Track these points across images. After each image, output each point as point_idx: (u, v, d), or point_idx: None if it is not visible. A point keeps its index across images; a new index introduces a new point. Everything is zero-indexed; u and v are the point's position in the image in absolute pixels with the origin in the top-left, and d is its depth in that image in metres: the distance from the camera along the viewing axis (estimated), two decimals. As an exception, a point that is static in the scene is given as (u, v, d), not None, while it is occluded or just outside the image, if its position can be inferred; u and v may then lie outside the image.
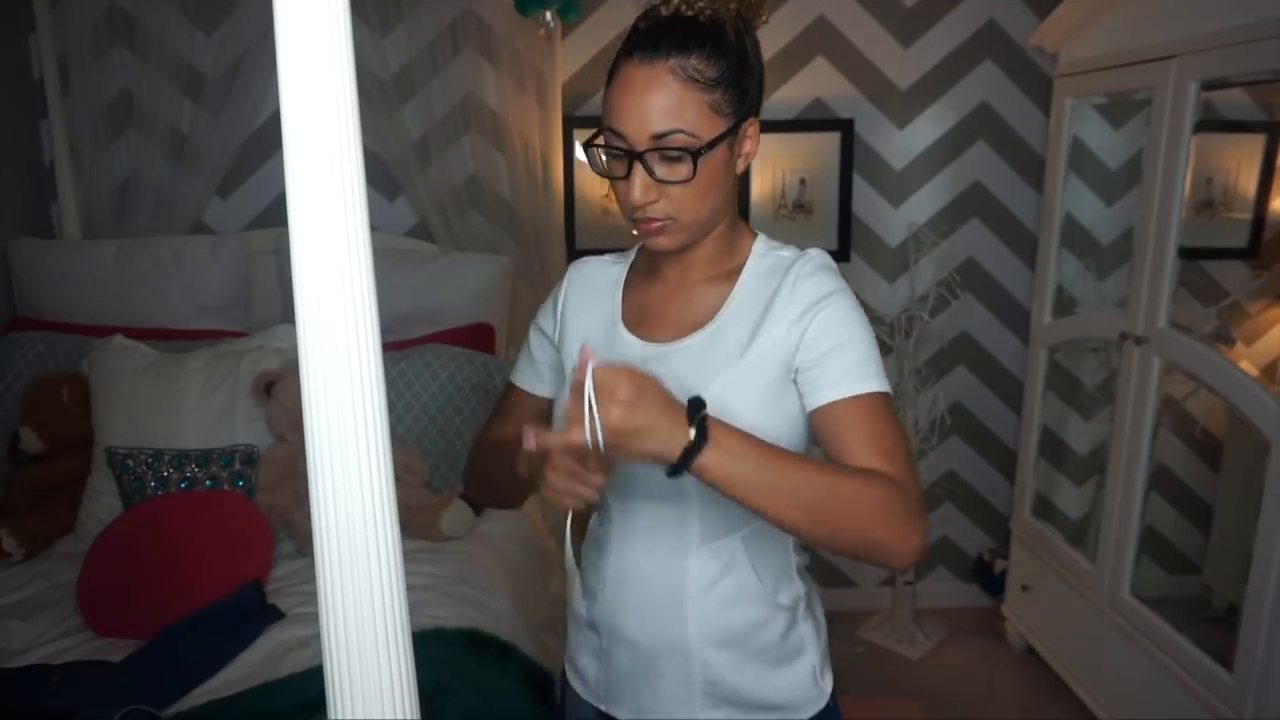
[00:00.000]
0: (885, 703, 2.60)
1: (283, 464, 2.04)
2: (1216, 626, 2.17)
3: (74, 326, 2.39)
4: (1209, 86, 2.02)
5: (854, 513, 0.89)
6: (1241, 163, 2.53)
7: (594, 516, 1.19)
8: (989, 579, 3.02)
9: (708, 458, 0.84)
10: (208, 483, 2.03)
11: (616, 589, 1.11)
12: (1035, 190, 2.83)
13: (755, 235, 1.11)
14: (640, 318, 1.10)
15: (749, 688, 1.08)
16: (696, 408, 0.86)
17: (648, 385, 0.85)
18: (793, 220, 2.84)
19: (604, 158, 1.00)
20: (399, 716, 0.55)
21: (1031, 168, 2.83)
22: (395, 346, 2.29)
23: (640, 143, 0.95)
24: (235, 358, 2.18)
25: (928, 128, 2.82)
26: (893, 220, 2.87)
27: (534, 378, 1.19)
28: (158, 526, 1.85)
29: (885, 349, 2.88)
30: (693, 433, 0.84)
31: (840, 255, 2.85)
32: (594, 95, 2.75)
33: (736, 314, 1.04)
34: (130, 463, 2.04)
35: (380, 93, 2.58)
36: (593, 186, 2.78)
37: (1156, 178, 2.11)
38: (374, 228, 2.60)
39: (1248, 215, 2.56)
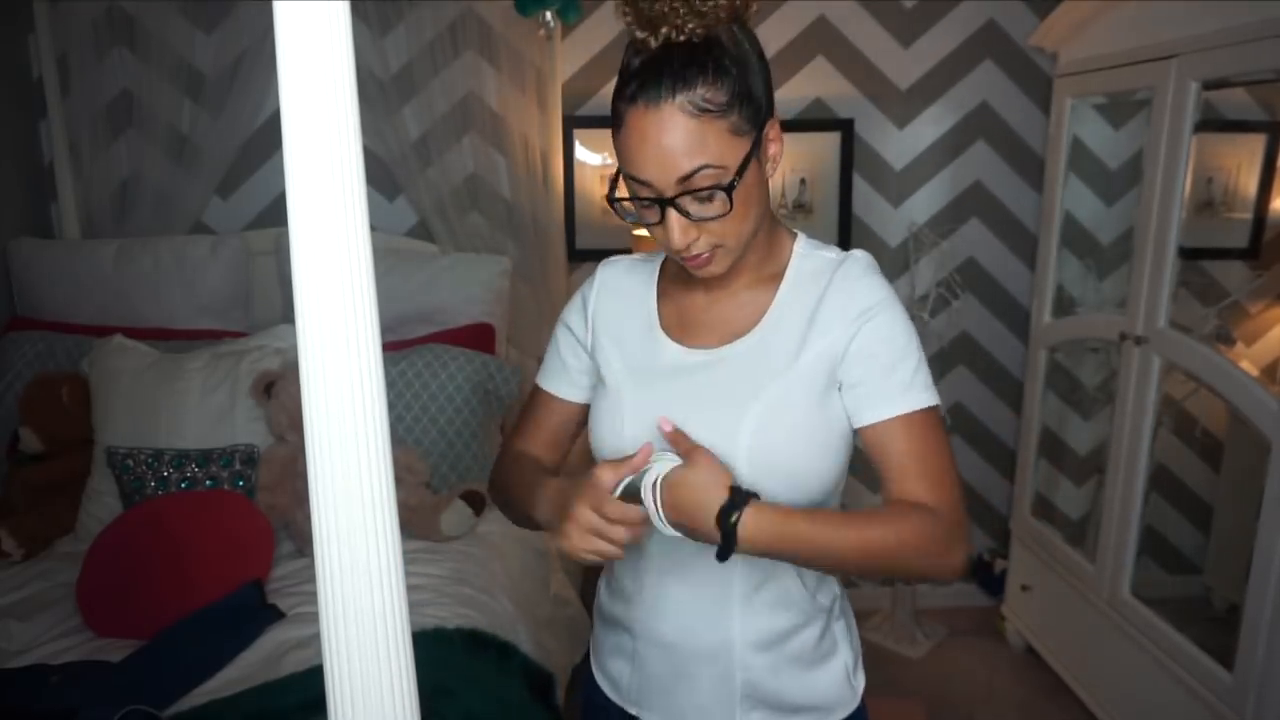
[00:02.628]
0: (885, 703, 2.59)
1: (283, 464, 2.04)
2: (1217, 626, 2.17)
3: (74, 326, 2.39)
4: (1209, 86, 2.02)
5: (893, 559, 0.95)
6: (1241, 163, 2.53)
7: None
8: (989, 579, 3.02)
9: (744, 548, 0.91)
10: (208, 483, 2.03)
11: (658, 593, 1.08)
12: (1035, 190, 2.83)
13: (795, 235, 1.09)
14: (679, 323, 1.08)
15: (786, 690, 1.08)
16: (739, 498, 0.91)
17: (703, 479, 0.92)
18: (793, 220, 2.84)
19: (633, 206, 0.97)
20: (399, 717, 0.55)
21: (1031, 168, 2.83)
22: (395, 346, 2.29)
23: (667, 189, 0.92)
24: (235, 358, 2.18)
25: (928, 128, 2.82)
26: (893, 220, 2.87)
27: (566, 383, 1.16)
28: (158, 526, 1.85)
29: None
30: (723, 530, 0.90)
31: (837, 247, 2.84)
32: (594, 95, 2.75)
33: (781, 320, 1.02)
34: (130, 463, 2.04)
35: (380, 93, 2.58)
36: (593, 186, 2.78)
37: (1156, 178, 2.11)
38: (374, 228, 2.61)
39: (1248, 215, 2.56)
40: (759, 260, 1.05)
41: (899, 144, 2.83)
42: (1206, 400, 2.47)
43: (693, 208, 0.93)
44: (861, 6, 2.74)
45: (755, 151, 0.94)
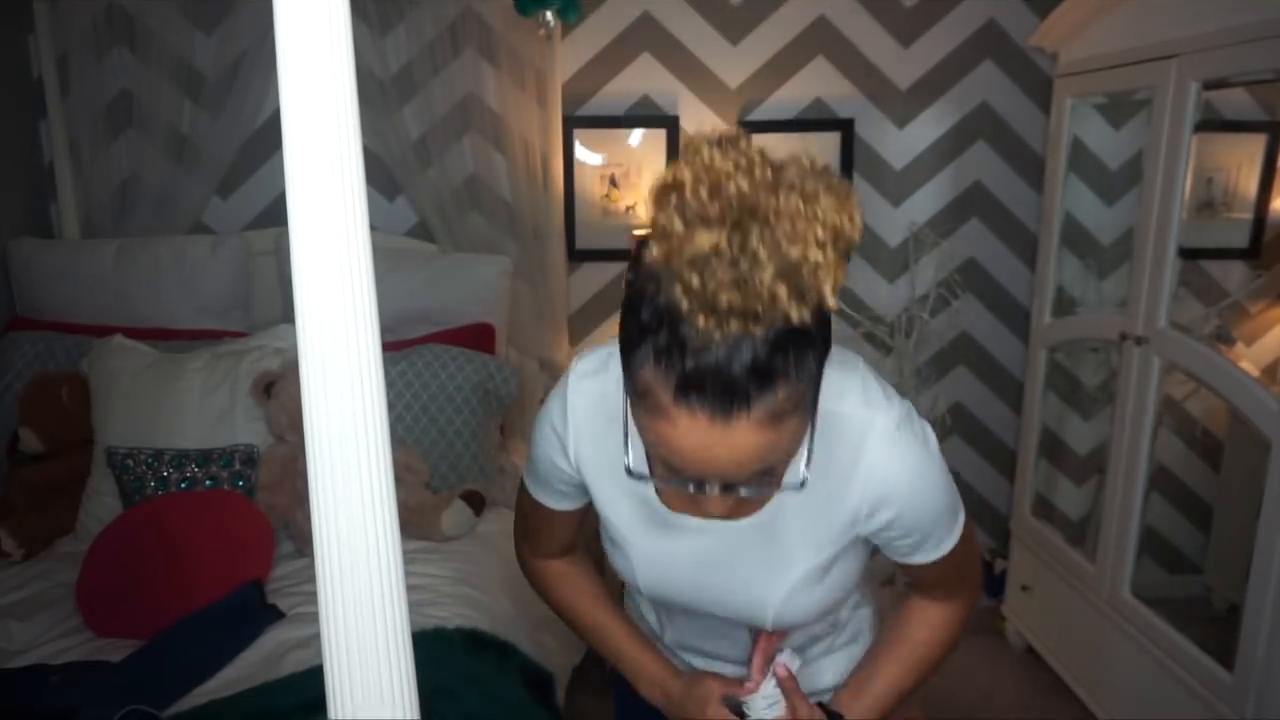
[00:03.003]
0: (885, 703, 2.59)
1: (283, 464, 2.04)
2: (1217, 626, 2.17)
3: (74, 326, 2.39)
4: (1209, 86, 2.02)
5: (944, 659, 1.13)
6: (1241, 163, 2.53)
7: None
8: (989, 579, 3.02)
9: None
10: (208, 483, 2.03)
11: (685, 657, 1.17)
12: (1035, 190, 2.83)
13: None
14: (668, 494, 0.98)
15: (812, 677, 1.13)
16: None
17: None
18: (793, 220, 2.84)
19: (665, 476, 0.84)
20: (399, 717, 0.55)
21: (1031, 168, 2.83)
22: (395, 346, 2.29)
23: (717, 482, 0.79)
24: (235, 358, 2.18)
25: (928, 128, 2.82)
26: (893, 220, 2.87)
27: (559, 498, 1.08)
28: (158, 526, 1.85)
29: (885, 349, 2.88)
30: None
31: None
32: (594, 95, 2.75)
33: (798, 502, 0.92)
34: (130, 463, 2.04)
35: (380, 93, 2.58)
36: (593, 186, 2.78)
37: (1156, 178, 2.11)
38: (374, 228, 2.61)
39: (1248, 215, 2.56)
40: None
41: (899, 144, 2.83)
42: (1206, 400, 2.47)
43: (744, 489, 0.80)
44: (861, 6, 2.74)
45: (814, 412, 0.80)
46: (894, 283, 2.89)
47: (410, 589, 0.58)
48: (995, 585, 2.98)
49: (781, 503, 0.93)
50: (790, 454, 0.80)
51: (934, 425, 3.07)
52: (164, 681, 1.51)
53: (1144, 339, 2.16)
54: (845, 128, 2.78)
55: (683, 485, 0.81)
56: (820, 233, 0.69)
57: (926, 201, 2.86)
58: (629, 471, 0.84)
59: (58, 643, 1.68)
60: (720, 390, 0.72)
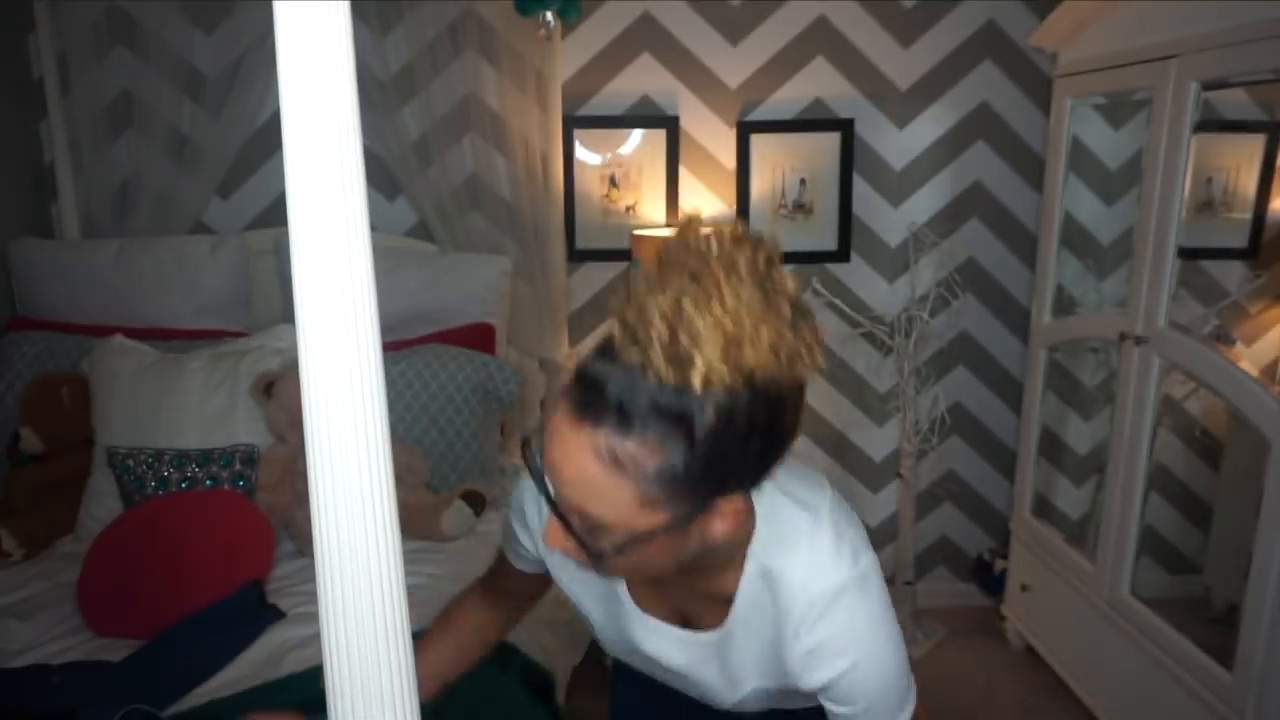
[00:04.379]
0: (885, 703, 2.59)
1: (283, 464, 2.04)
2: (1217, 626, 2.17)
3: (74, 326, 2.39)
4: (1209, 86, 2.02)
5: None
6: (1241, 163, 2.53)
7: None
8: (989, 579, 3.02)
9: None
10: (208, 483, 2.03)
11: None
12: (1035, 190, 2.83)
13: (751, 536, 0.89)
14: (639, 588, 0.98)
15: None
16: None
17: None
18: (792, 220, 2.84)
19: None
20: (399, 717, 0.55)
21: (1031, 168, 2.83)
22: (395, 346, 2.29)
23: (559, 500, 0.76)
24: (235, 358, 2.18)
25: (928, 128, 2.82)
26: (893, 220, 2.87)
27: (525, 562, 1.10)
28: (158, 526, 1.85)
29: (885, 349, 2.88)
30: None
31: (840, 255, 2.85)
32: (594, 95, 2.75)
33: (732, 638, 0.93)
34: (130, 463, 2.04)
35: (380, 93, 2.58)
36: (593, 186, 2.78)
37: (1156, 178, 2.11)
38: (374, 228, 2.60)
39: (1248, 215, 2.56)
40: (704, 566, 0.88)
41: (899, 144, 2.83)
42: (1206, 400, 2.47)
43: (578, 532, 0.76)
44: (861, 6, 2.74)
45: (677, 527, 0.75)
46: (894, 283, 2.89)
47: (410, 589, 0.58)
48: (995, 585, 2.98)
49: (731, 628, 0.92)
50: (613, 520, 0.73)
51: (934, 425, 3.05)
52: (164, 681, 1.52)
53: (1144, 339, 2.16)
54: (845, 128, 2.78)
55: (543, 488, 0.78)
56: (723, 315, 0.66)
57: (926, 201, 2.86)
58: (531, 469, 0.80)
59: (58, 643, 1.68)
60: (588, 396, 0.71)
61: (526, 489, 1.02)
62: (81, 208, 2.61)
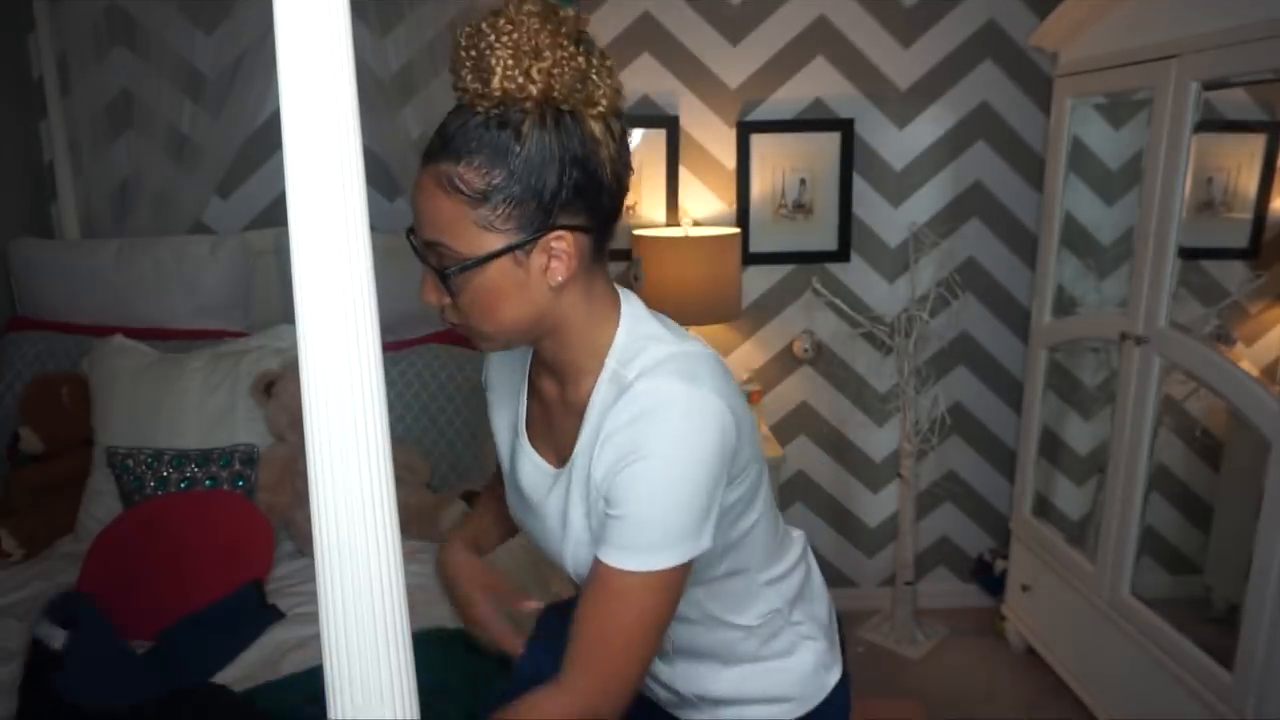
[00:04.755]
0: (885, 703, 2.59)
1: (283, 464, 2.04)
2: (1217, 626, 2.17)
3: (74, 326, 2.39)
4: (1209, 86, 2.02)
5: None
6: (1241, 163, 2.53)
7: None
8: (989, 579, 3.02)
9: None
10: (208, 483, 2.03)
11: None
12: (1035, 190, 2.83)
13: (613, 340, 0.94)
14: (542, 423, 1.04)
15: (739, 688, 1.10)
16: None
17: None
18: (792, 220, 2.84)
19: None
20: (399, 716, 0.55)
21: (1031, 168, 2.83)
22: (395, 346, 2.29)
23: (420, 245, 0.90)
24: (235, 358, 2.18)
25: (928, 128, 2.82)
26: (893, 220, 2.87)
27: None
28: (158, 526, 1.85)
29: (885, 349, 2.88)
30: None
31: (840, 255, 2.85)
32: (594, 95, 2.75)
33: (583, 456, 0.94)
34: (130, 463, 2.04)
35: (380, 93, 2.58)
36: (593, 186, 2.78)
37: (1156, 178, 2.11)
38: (374, 228, 2.60)
39: (1248, 215, 2.56)
40: (571, 369, 0.96)
41: (899, 144, 2.83)
42: (1206, 400, 2.47)
43: (436, 274, 0.90)
44: (861, 6, 2.74)
45: (516, 252, 0.86)
46: (894, 283, 2.89)
47: (410, 589, 0.58)
48: (995, 585, 2.98)
49: (580, 448, 0.95)
50: (457, 244, 0.86)
51: (934, 425, 3.04)
52: (166, 682, 1.51)
53: (1144, 339, 2.16)
54: (845, 128, 2.78)
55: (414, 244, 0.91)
56: (516, 33, 0.82)
57: (926, 201, 2.86)
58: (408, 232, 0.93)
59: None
60: (433, 143, 0.87)
61: (489, 360, 1.15)
62: (81, 208, 2.61)
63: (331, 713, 0.55)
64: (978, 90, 2.80)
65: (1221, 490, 2.59)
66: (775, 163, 2.80)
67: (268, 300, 2.56)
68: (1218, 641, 1.96)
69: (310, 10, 0.46)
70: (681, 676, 1.11)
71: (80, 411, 2.17)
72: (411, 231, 0.92)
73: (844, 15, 2.74)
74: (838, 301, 2.81)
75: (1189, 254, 2.17)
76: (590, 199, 0.87)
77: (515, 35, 0.81)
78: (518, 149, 0.83)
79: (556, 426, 1.01)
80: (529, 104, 0.82)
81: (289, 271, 0.50)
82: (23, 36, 2.55)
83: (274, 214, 2.72)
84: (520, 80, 0.81)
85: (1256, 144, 2.54)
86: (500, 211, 0.85)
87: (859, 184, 2.83)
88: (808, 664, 1.12)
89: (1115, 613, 2.29)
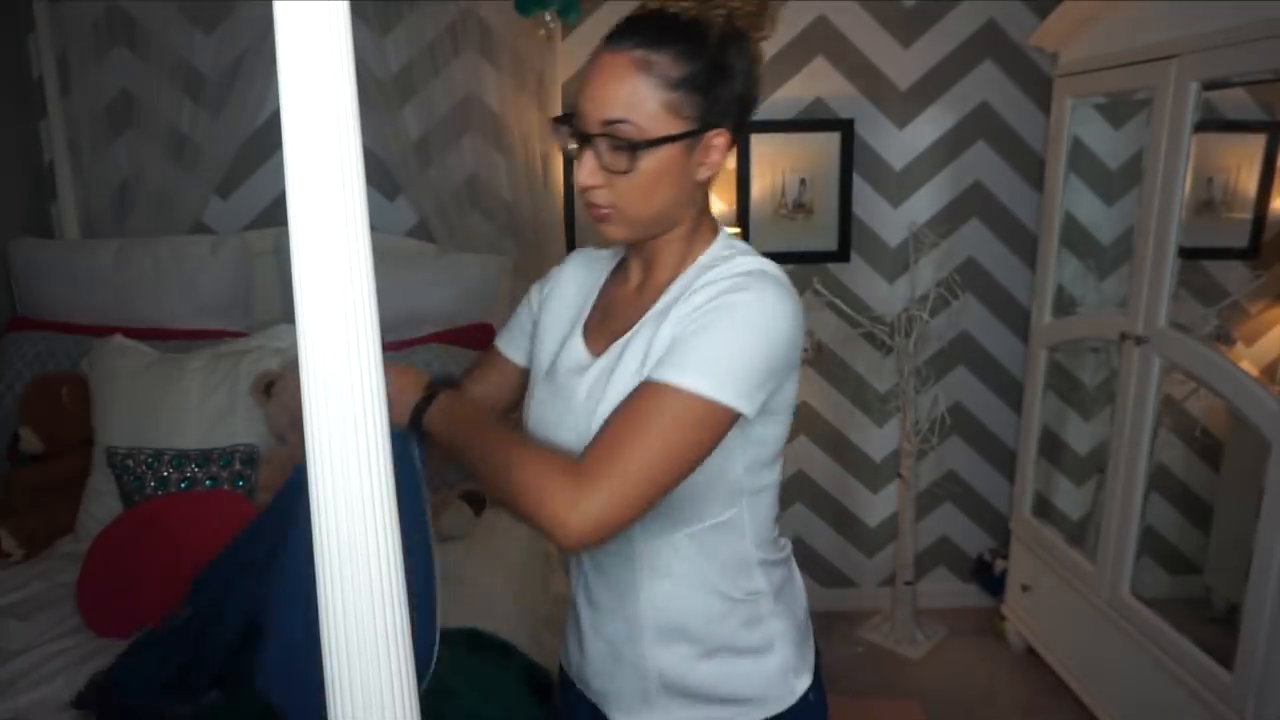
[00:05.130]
0: (885, 703, 2.60)
1: (283, 464, 2.04)
2: (1217, 626, 2.17)
3: (74, 326, 2.39)
4: (1209, 86, 2.02)
5: (506, 485, 0.91)
6: (1241, 163, 2.53)
7: None
8: (989, 579, 3.02)
9: (428, 419, 0.99)
10: (208, 483, 2.03)
11: (584, 573, 1.11)
12: (1035, 190, 2.83)
13: (715, 241, 1.05)
14: (600, 321, 1.09)
15: (707, 682, 1.07)
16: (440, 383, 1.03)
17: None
18: (793, 220, 2.84)
19: (567, 136, 1.00)
20: (399, 717, 0.55)
21: (1031, 168, 2.83)
22: (395, 346, 2.29)
23: (591, 126, 0.95)
24: (235, 358, 2.18)
25: (928, 128, 2.82)
26: (893, 220, 2.87)
27: (511, 344, 1.20)
28: (158, 526, 1.85)
29: (885, 349, 2.88)
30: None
31: (840, 255, 2.85)
32: (594, 95, 2.75)
33: (645, 327, 1.01)
34: (130, 463, 2.04)
35: (380, 93, 2.58)
36: (593, 186, 2.78)
37: (1156, 178, 2.11)
38: (374, 228, 2.60)
39: (1248, 215, 2.56)
40: (674, 260, 1.04)
41: (899, 144, 2.83)
42: (1206, 400, 2.47)
43: (605, 155, 0.95)
44: (861, 6, 2.74)
45: (688, 140, 0.95)
46: (894, 283, 2.89)
47: (410, 589, 0.58)
48: (995, 585, 2.98)
49: (628, 338, 1.01)
50: (643, 123, 0.93)
51: (934, 425, 3.03)
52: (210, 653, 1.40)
53: (1144, 339, 2.16)
54: (845, 128, 2.78)
55: (576, 138, 0.97)
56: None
57: (926, 201, 2.86)
58: (553, 119, 1.03)
59: (58, 643, 1.68)
60: (626, 30, 0.96)
61: (565, 272, 1.18)
62: (81, 208, 2.62)
63: (332, 713, 0.55)
64: (978, 90, 2.80)
65: (1221, 490, 2.60)
66: (775, 162, 2.80)
67: (268, 300, 2.56)
68: (1218, 641, 1.96)
69: (310, 10, 0.46)
70: (656, 657, 1.06)
71: (80, 411, 2.17)
72: (564, 119, 0.98)
73: (844, 15, 2.74)
74: (838, 301, 2.81)
75: (1189, 254, 2.17)
76: (741, 109, 1.00)
77: None
78: (710, 50, 0.95)
79: (616, 318, 1.06)
80: (720, 14, 0.98)
81: (289, 271, 0.50)
82: (23, 36, 2.55)
83: (274, 214, 2.73)
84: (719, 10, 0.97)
85: (1256, 144, 2.55)
86: (686, 100, 0.94)
87: (859, 184, 2.83)
88: (776, 664, 1.08)
89: (1115, 613, 2.29)
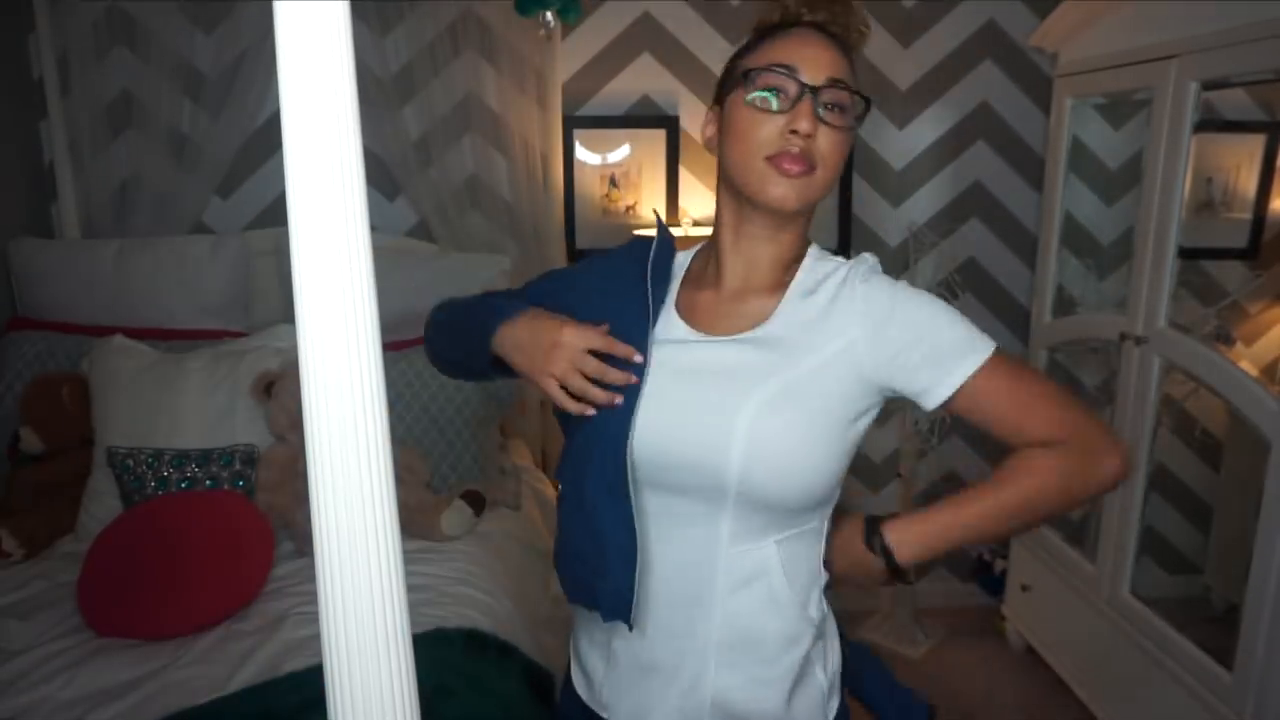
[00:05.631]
0: (885, 703, 2.59)
1: (283, 464, 2.04)
2: (1216, 626, 2.17)
3: (74, 326, 2.39)
4: (1209, 86, 2.02)
5: (1046, 506, 1.03)
6: (1241, 163, 2.53)
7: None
8: (989, 579, 3.02)
9: (900, 556, 1.05)
10: (208, 483, 2.03)
11: (641, 579, 1.00)
12: (1035, 190, 2.83)
13: (810, 244, 1.11)
14: (689, 309, 1.07)
15: (764, 708, 1.01)
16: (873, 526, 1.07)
17: None
18: (793, 220, 2.84)
19: (764, 94, 0.99)
20: (399, 717, 0.55)
21: (1031, 168, 2.83)
22: (395, 346, 2.29)
23: (817, 80, 0.97)
24: (235, 358, 2.18)
25: (928, 128, 2.82)
26: (893, 220, 2.87)
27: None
28: (158, 526, 1.85)
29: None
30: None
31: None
32: (594, 95, 2.75)
33: (791, 319, 1.02)
34: (130, 463, 2.04)
35: (380, 93, 2.58)
36: (593, 186, 2.78)
37: (1156, 178, 2.11)
38: (374, 228, 2.61)
39: (1248, 215, 2.56)
40: (781, 260, 1.06)
41: (899, 144, 2.83)
42: (1206, 400, 2.47)
43: (824, 111, 0.98)
44: (862, 6, 2.73)
45: (862, 112, 1.01)
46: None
47: (410, 589, 0.58)
48: (995, 585, 2.98)
49: (766, 332, 1.01)
50: (851, 89, 0.99)
51: (934, 425, 3.02)
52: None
53: (1144, 339, 2.16)
54: (845, 128, 2.78)
55: (780, 92, 0.98)
56: None
57: (926, 201, 2.86)
58: (745, 73, 1.00)
59: (58, 643, 1.68)
60: (838, 9, 1.04)
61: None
62: (81, 208, 2.62)
63: (332, 713, 0.55)
64: (978, 90, 2.80)
65: (1221, 490, 2.60)
66: (775, 163, 2.80)
67: (268, 300, 2.56)
68: (1218, 641, 1.96)
69: (310, 10, 0.46)
70: (717, 679, 1.00)
71: (80, 411, 2.17)
72: (806, 86, 0.98)
73: (844, 15, 2.74)
74: (838, 301, 2.81)
75: (1189, 254, 2.17)
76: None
77: None
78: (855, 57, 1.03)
79: (724, 312, 1.05)
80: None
81: (289, 271, 0.50)
82: (23, 36, 2.55)
83: (274, 214, 2.73)
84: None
85: (1256, 144, 2.55)
86: (856, 100, 1.01)
87: (859, 184, 2.83)
88: (817, 689, 1.05)
89: (1115, 613, 2.29)
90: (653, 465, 0.99)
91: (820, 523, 1.06)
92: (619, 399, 0.97)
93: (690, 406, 0.98)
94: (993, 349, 0.99)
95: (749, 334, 1.02)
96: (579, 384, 0.97)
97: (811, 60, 0.98)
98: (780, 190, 0.98)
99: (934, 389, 0.98)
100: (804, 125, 0.97)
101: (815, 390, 0.97)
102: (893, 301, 1.01)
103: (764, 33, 1.03)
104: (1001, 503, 1.03)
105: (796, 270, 1.06)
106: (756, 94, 0.99)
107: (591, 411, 0.98)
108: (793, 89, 0.98)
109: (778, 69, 0.98)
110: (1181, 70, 2.02)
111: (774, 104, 0.98)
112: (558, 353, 0.98)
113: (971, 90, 2.80)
